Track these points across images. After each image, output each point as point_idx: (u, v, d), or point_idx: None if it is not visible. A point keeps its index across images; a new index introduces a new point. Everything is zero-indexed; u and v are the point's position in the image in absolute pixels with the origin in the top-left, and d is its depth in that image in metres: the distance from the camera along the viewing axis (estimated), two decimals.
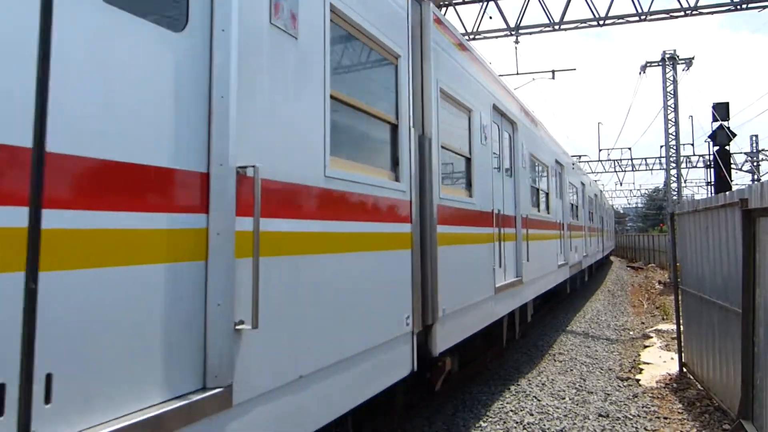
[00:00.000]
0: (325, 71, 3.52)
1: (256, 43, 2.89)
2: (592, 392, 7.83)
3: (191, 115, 2.52)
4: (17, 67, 1.84)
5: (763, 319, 5.29)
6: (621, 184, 49.48)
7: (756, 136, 37.47)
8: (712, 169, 28.13)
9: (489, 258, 6.89)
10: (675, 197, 26.77)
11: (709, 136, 26.93)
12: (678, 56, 26.99)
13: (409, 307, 4.63)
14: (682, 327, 8.85)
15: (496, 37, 18.97)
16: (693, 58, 27.19)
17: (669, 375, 8.70)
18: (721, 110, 25.60)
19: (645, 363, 9.66)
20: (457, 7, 18.51)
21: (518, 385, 8.16)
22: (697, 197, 44.08)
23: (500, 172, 7.61)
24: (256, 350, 2.78)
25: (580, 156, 40.90)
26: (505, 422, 6.58)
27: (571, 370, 9.19)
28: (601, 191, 31.49)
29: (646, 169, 42.23)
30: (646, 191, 77.47)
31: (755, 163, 35.61)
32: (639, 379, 8.57)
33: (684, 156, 33.70)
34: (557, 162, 13.55)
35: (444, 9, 17.95)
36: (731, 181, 25.05)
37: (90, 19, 2.09)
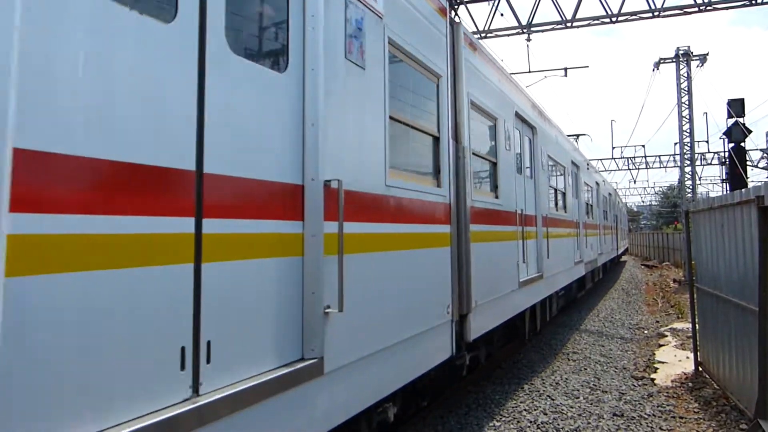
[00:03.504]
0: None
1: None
2: (606, 391, 7.78)
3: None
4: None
5: None
6: (635, 181, 48.94)
7: None
8: (727, 166, 27.82)
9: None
10: (689, 195, 26.52)
11: (723, 133, 26.63)
12: (692, 52, 26.72)
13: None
14: (697, 325, 8.77)
15: (508, 35, 18.88)
16: (707, 54, 26.90)
17: (684, 374, 8.63)
18: (736, 106, 25.29)
19: (660, 362, 9.59)
20: (468, 5, 18.46)
21: (532, 384, 8.14)
22: (712, 194, 43.66)
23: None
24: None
25: (600, 160, 40.28)
26: (518, 421, 6.56)
27: (585, 369, 9.14)
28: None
29: (660, 167, 41.78)
30: (660, 189, 76.78)
31: None
32: (654, 378, 8.51)
33: (698, 153, 33.36)
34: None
35: (456, 7, 17.90)
36: (747, 178, 24.75)
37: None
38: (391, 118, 4.22)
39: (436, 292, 5.00)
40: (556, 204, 11.59)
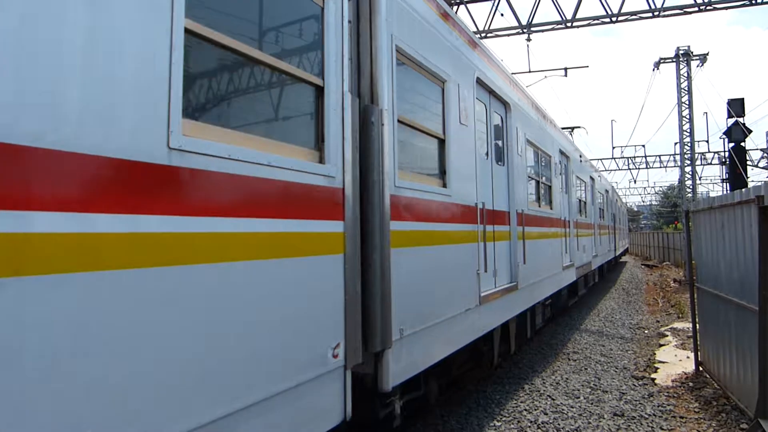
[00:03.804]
0: None
1: None
2: (606, 391, 7.78)
3: None
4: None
5: None
6: (635, 181, 49.02)
7: None
8: (727, 166, 27.82)
9: None
10: (690, 194, 26.52)
11: (724, 133, 26.63)
12: (692, 52, 26.75)
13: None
14: (697, 325, 8.77)
15: (508, 35, 18.92)
16: (707, 54, 26.94)
17: (685, 374, 8.63)
18: (736, 106, 25.29)
19: (660, 362, 9.59)
20: (468, 5, 18.46)
21: (532, 384, 8.14)
22: (712, 194, 43.63)
23: None
24: None
25: (601, 160, 40.28)
26: (519, 421, 6.56)
27: (586, 369, 9.14)
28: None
29: (660, 167, 41.88)
30: (661, 189, 76.87)
31: None
32: (654, 378, 8.51)
33: (699, 153, 33.38)
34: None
35: (455, 7, 17.92)
36: (747, 177, 24.76)
37: None
38: (191, 32, 2.51)
39: (302, 329, 3.19)
40: (539, 199, 9.84)
